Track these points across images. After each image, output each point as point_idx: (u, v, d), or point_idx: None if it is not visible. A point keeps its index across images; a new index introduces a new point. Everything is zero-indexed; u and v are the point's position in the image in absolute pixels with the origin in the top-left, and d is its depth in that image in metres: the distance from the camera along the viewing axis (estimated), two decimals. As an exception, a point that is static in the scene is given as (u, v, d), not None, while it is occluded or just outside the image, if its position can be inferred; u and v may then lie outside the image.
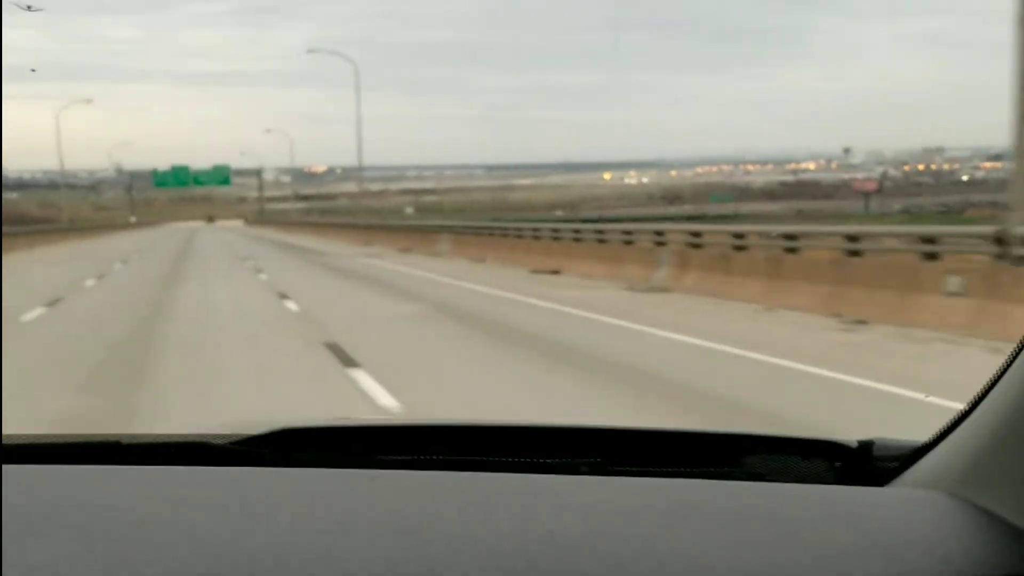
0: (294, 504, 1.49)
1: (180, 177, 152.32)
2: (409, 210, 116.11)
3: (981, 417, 1.57)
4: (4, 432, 1.77)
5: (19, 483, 1.52)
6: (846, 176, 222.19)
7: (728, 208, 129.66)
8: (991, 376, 1.56)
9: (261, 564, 1.25)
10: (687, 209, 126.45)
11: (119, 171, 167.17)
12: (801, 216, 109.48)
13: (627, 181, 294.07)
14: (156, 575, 1.20)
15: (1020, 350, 1.50)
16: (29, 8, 2.36)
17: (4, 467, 1.57)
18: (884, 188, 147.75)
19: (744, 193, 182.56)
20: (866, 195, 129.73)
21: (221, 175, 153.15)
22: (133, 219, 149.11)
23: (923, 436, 1.74)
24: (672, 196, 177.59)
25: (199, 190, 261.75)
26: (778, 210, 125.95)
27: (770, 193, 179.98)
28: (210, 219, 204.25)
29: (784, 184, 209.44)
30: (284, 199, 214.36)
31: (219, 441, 1.78)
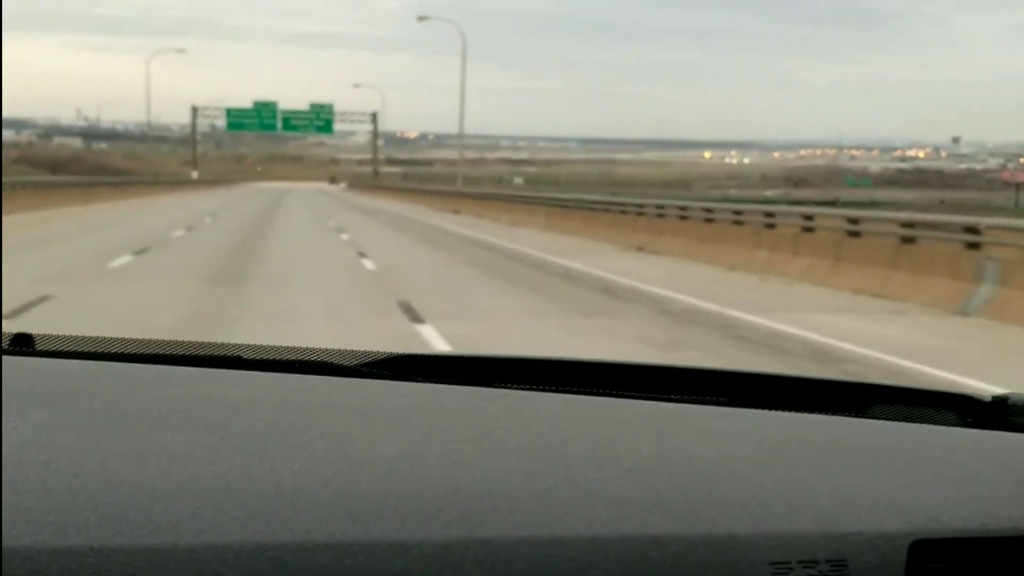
0: (426, 415, 1.47)
1: (264, 118, 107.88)
2: (518, 180, 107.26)
3: None
4: (130, 336, 1.76)
5: (153, 381, 1.53)
6: (962, 166, 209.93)
7: (864, 194, 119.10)
8: None
9: (398, 469, 1.24)
10: (816, 193, 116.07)
11: (212, 126, 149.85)
12: (945, 207, 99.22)
13: (727, 161, 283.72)
14: (293, 471, 1.21)
15: None
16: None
17: (137, 366, 1.62)
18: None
19: (857, 179, 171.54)
20: (1017, 187, 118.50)
21: (321, 117, 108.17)
22: (195, 174, 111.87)
23: None
24: (797, 179, 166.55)
25: (290, 148, 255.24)
26: (916, 198, 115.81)
27: (896, 180, 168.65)
28: (333, 180, 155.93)
29: (902, 171, 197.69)
30: (373, 162, 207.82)
31: (341, 360, 1.75)
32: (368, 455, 1.28)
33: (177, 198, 69.14)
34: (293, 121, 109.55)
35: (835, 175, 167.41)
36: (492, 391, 1.64)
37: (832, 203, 75.91)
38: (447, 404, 1.55)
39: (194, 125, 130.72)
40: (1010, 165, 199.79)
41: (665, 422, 1.54)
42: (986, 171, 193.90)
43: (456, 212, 50.27)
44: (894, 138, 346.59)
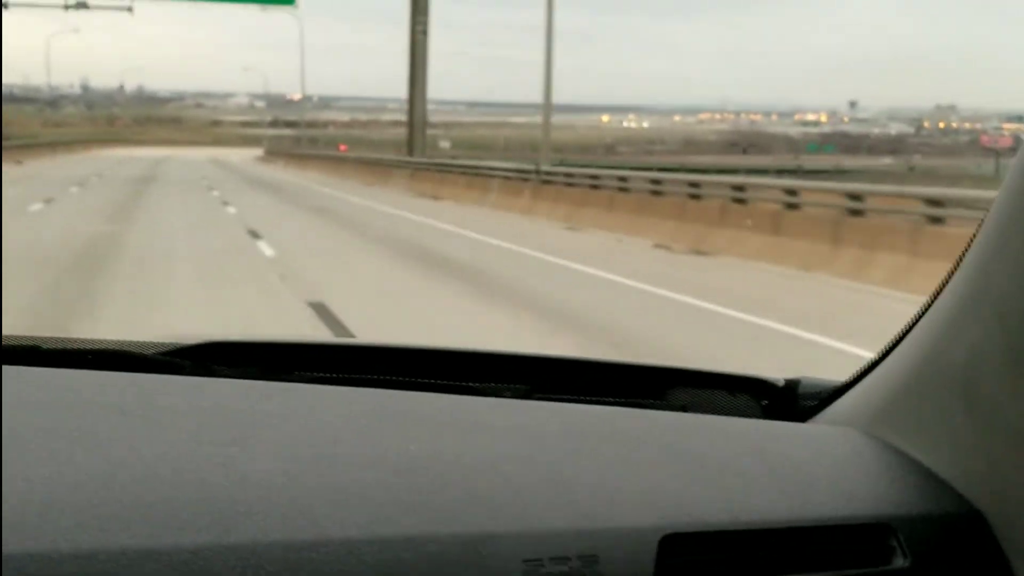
0: (199, 414, 1.44)
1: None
2: (445, 144, 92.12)
3: (896, 360, 1.60)
4: None
5: None
6: (877, 130, 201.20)
7: (828, 161, 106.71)
8: (907, 323, 1.60)
9: (155, 473, 1.22)
10: (773, 161, 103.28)
11: (84, 87, 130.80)
12: (915, 174, 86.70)
13: (626, 125, 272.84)
14: (44, 476, 1.17)
15: (933, 300, 1.54)
16: None
17: None
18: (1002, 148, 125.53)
19: (792, 145, 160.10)
20: (997, 153, 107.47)
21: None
22: None
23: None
24: (746, 143, 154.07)
25: (168, 109, 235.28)
26: (886, 166, 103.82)
27: (851, 147, 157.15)
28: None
29: (825, 136, 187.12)
30: (259, 124, 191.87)
31: (139, 350, 1.71)
32: (126, 458, 1.24)
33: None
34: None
35: (774, 141, 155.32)
36: (278, 385, 1.60)
37: (794, 172, 63.91)
38: (226, 401, 1.50)
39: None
40: (905, 128, 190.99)
41: (443, 417, 1.53)
42: (901, 136, 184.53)
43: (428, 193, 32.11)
44: (779, 101, 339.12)
